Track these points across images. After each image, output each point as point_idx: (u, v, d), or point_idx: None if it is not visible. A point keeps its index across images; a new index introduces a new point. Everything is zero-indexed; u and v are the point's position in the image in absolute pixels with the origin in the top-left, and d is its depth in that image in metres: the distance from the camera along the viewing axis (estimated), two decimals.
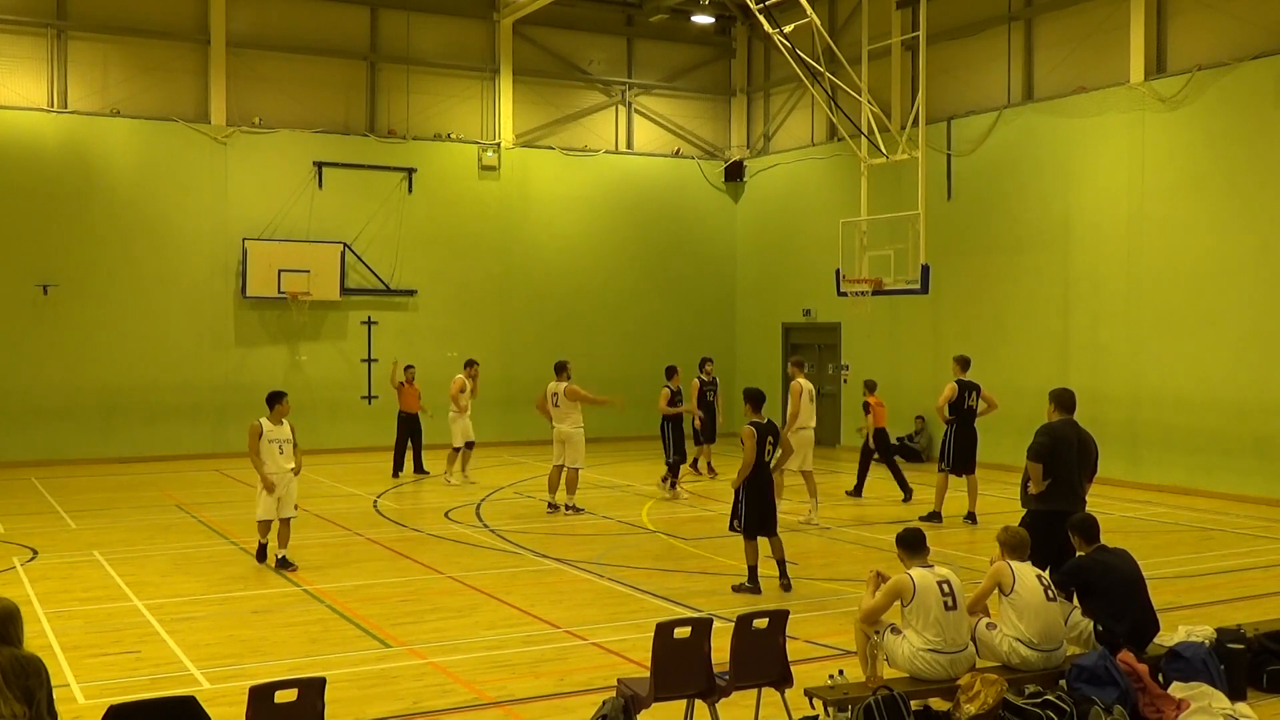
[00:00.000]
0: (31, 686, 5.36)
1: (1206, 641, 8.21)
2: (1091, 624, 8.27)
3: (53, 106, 21.98)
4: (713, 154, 27.97)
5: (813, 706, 7.19)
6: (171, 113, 22.84)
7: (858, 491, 17.85)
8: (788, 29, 20.17)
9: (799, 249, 25.85)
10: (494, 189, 25.54)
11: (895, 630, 7.56)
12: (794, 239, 26.14)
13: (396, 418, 20.46)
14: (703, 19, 26.18)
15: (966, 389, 15.64)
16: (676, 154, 27.54)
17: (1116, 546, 8.64)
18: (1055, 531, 9.49)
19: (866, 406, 17.98)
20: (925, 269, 18.91)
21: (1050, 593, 7.81)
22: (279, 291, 23.09)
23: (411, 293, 24.73)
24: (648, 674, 7.12)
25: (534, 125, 26.10)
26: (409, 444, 20.43)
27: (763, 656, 7.19)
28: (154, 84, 22.75)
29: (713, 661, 7.04)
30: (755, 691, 7.31)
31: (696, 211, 27.61)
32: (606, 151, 26.82)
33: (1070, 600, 8.51)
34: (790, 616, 7.47)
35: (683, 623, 7.10)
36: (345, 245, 23.93)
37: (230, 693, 7.93)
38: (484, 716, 7.83)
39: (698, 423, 19.51)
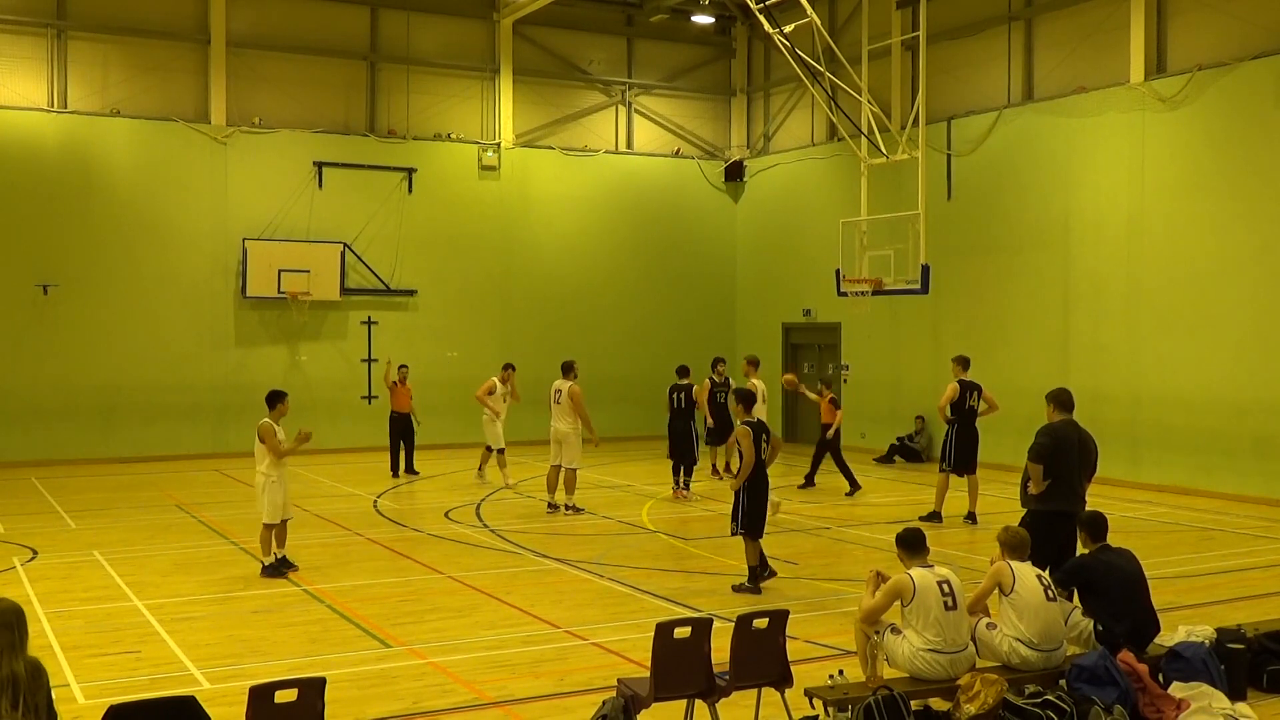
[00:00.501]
0: (39, 701, 5.35)
1: (1206, 641, 8.21)
2: (1091, 624, 8.27)
3: (53, 106, 21.98)
4: (713, 154, 27.97)
5: (813, 706, 7.19)
6: (171, 113, 22.84)
7: (854, 485, 18.25)
8: (788, 29, 20.17)
9: (799, 249, 25.85)
10: (494, 189, 25.54)
11: (895, 630, 7.56)
12: (794, 239, 26.14)
13: (389, 418, 20.44)
14: (703, 19, 26.18)
15: (968, 389, 15.65)
16: (676, 154, 27.54)
17: (1120, 546, 8.64)
18: (1055, 532, 9.50)
19: (835, 403, 18.80)
20: (925, 269, 18.91)
21: (1050, 593, 7.81)
22: (279, 291, 23.09)
23: (411, 293, 24.73)
24: (648, 674, 7.12)
25: (534, 125, 26.10)
26: (402, 444, 20.41)
27: (763, 656, 7.19)
28: (154, 84, 22.75)
29: (713, 661, 7.04)
30: (755, 691, 7.31)
31: (696, 211, 27.61)
32: (606, 151, 26.82)
33: (1071, 599, 8.51)
34: (790, 616, 7.47)
35: (683, 623, 7.10)
36: (345, 245, 23.93)
37: (230, 693, 7.93)
38: (484, 716, 7.83)
39: (710, 423, 19.37)
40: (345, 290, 23.93)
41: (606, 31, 26.83)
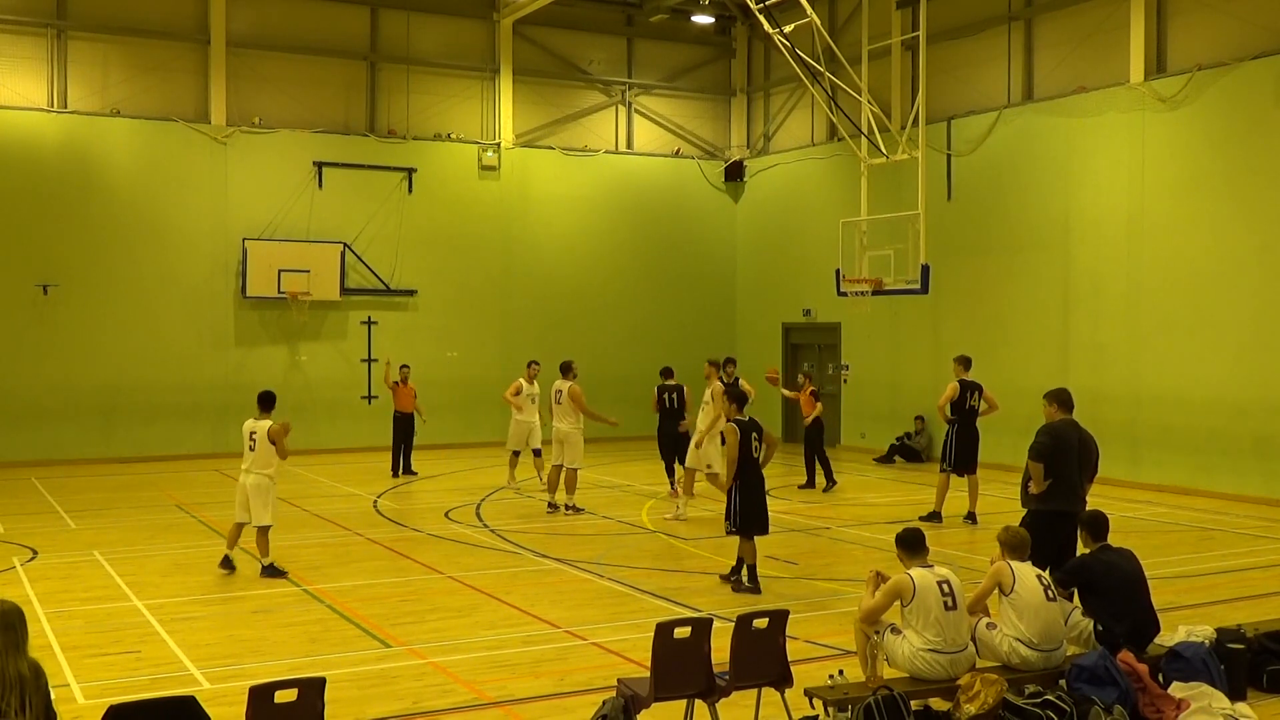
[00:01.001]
0: (39, 701, 5.35)
1: (1206, 641, 8.20)
2: (1091, 624, 8.27)
3: (53, 106, 21.98)
4: (713, 154, 27.97)
5: (813, 706, 7.19)
6: (171, 113, 22.84)
7: (830, 481, 18.53)
8: (788, 29, 20.17)
9: (799, 249, 25.85)
10: (494, 189, 25.54)
11: (895, 630, 7.56)
12: (794, 239, 26.14)
13: (392, 418, 20.46)
14: (703, 19, 26.18)
15: (968, 389, 15.65)
16: (676, 154, 27.53)
17: (1120, 546, 8.64)
18: (1056, 532, 9.51)
19: (815, 395, 18.96)
20: (925, 269, 18.91)
21: (1050, 593, 7.81)
22: (279, 291, 23.09)
23: (411, 293, 24.73)
24: (648, 674, 7.11)
25: (534, 125, 26.10)
26: (401, 444, 20.41)
27: (763, 656, 7.19)
28: (154, 84, 22.75)
29: (713, 661, 7.04)
30: (755, 691, 7.31)
31: (696, 211, 27.61)
32: (606, 151, 26.81)
33: (1071, 599, 8.51)
34: (790, 616, 7.47)
35: (683, 623, 7.10)
36: (345, 245, 23.93)
37: (230, 693, 7.92)
38: (484, 716, 7.83)
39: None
40: (345, 290, 23.93)
41: (606, 31, 26.82)
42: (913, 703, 7.12)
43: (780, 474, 20.11)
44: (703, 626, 7.05)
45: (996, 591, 7.84)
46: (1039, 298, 20.74)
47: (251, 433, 12.19)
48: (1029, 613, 7.67)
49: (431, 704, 8.00)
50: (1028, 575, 7.81)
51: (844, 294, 20.49)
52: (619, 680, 7.36)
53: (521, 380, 18.27)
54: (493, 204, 25.51)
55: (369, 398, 24.17)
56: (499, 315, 25.60)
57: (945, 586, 7.48)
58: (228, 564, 12.26)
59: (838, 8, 24.70)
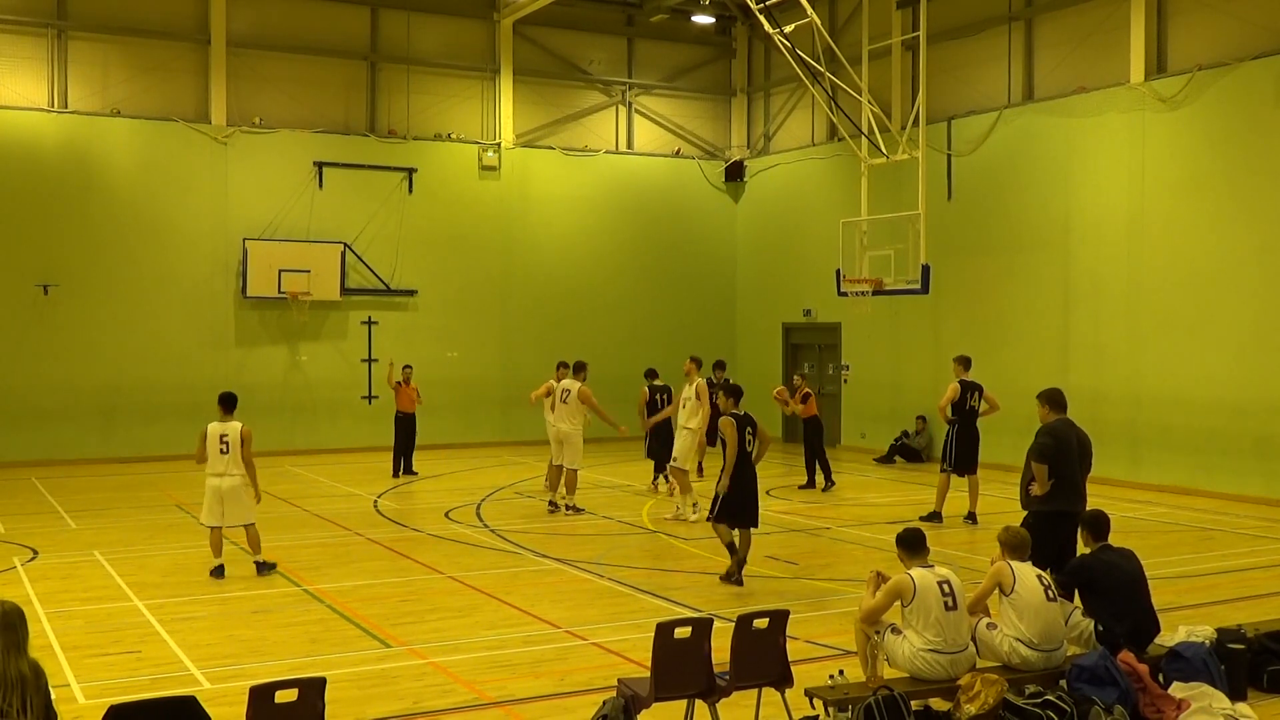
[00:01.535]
0: (39, 701, 5.35)
1: (1207, 641, 8.20)
2: (1092, 624, 8.27)
3: (53, 106, 21.98)
4: (713, 154, 27.97)
5: (813, 706, 7.19)
6: (172, 113, 22.84)
7: (829, 481, 18.59)
8: (788, 29, 20.17)
9: (799, 249, 25.85)
10: (494, 189, 25.54)
11: (895, 630, 7.56)
12: (794, 239, 26.14)
13: (394, 418, 20.46)
14: (703, 19, 26.18)
15: (969, 389, 15.65)
16: (677, 154, 27.53)
17: (1121, 546, 8.64)
18: (1057, 532, 9.51)
19: (806, 397, 18.87)
20: (925, 269, 18.92)
21: (1051, 593, 7.81)
22: (279, 291, 23.08)
23: (412, 293, 24.73)
24: (648, 674, 7.12)
25: (534, 125, 26.10)
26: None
27: (763, 656, 7.19)
28: (154, 84, 22.75)
29: (713, 661, 7.04)
30: (755, 691, 7.31)
31: (696, 211, 27.61)
32: (607, 151, 26.81)
33: (1072, 599, 8.51)
34: (790, 616, 7.47)
35: (683, 623, 7.10)
36: (345, 245, 23.93)
37: (230, 693, 7.92)
38: (484, 716, 7.83)
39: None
40: (345, 290, 23.92)
41: (606, 31, 26.82)
42: (913, 703, 7.12)
43: (780, 474, 20.14)
44: (703, 626, 7.05)
45: (997, 592, 7.84)
46: (1039, 298, 20.74)
47: (222, 435, 12.08)
48: (1029, 613, 7.67)
49: (432, 704, 8.00)
50: (1028, 575, 7.81)
51: (844, 294, 20.50)
52: (619, 680, 7.36)
53: (551, 381, 17.11)
54: (493, 204, 25.51)
55: (369, 398, 24.17)
56: (499, 315, 25.60)
57: (946, 587, 7.48)
58: (220, 573, 12.12)
59: (838, 8, 24.70)
